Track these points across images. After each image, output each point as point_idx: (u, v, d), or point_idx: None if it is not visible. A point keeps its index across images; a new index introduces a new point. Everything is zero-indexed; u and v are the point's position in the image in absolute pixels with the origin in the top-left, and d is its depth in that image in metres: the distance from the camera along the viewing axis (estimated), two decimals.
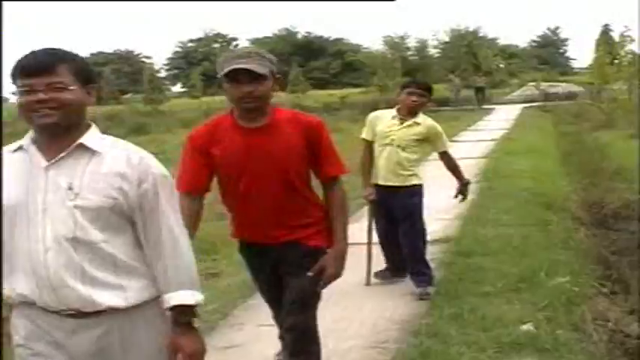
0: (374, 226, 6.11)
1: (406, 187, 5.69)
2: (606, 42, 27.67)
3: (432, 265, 6.00)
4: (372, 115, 5.98)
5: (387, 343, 4.80)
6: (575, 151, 15.38)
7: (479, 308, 5.16)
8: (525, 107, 34.88)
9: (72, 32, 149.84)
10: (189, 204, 3.31)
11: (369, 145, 5.85)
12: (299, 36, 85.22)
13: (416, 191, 5.76)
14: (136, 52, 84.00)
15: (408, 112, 5.68)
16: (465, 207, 8.11)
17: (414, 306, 5.53)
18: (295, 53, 74.99)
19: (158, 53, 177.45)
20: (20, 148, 2.35)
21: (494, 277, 5.88)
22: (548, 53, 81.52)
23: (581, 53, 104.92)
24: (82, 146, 2.32)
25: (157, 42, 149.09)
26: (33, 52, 2.31)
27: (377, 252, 6.14)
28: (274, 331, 4.02)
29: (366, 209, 6.64)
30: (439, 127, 5.85)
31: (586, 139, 17.31)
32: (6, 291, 2.35)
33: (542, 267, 5.98)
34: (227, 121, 3.38)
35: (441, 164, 6.14)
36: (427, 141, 5.79)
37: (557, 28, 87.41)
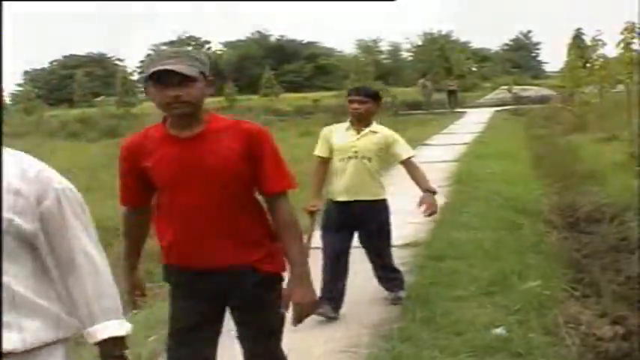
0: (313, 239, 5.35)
1: (376, 201, 5.44)
2: (578, 46, 27.92)
3: (401, 268, 5.96)
4: (326, 129, 5.59)
5: (358, 348, 4.77)
6: (546, 154, 15.43)
7: (451, 312, 5.16)
8: (497, 110, 35.09)
9: (44, 34, 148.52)
10: (130, 216, 3.15)
11: (323, 162, 5.43)
12: (272, 39, 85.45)
13: (386, 205, 5.55)
14: (108, 55, 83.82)
15: (358, 121, 5.38)
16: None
17: (385, 310, 5.50)
18: (268, 56, 75.22)
19: (131, 56, 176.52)
20: None
21: (466, 281, 5.87)
22: (521, 57, 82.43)
23: (553, 57, 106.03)
24: None
25: (129, 45, 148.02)
26: None
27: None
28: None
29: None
30: (396, 134, 5.57)
31: (558, 142, 17.38)
32: None
33: (514, 270, 5.98)
34: (158, 131, 2.97)
35: None
36: (388, 150, 5.46)
37: (529, 32, 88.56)
